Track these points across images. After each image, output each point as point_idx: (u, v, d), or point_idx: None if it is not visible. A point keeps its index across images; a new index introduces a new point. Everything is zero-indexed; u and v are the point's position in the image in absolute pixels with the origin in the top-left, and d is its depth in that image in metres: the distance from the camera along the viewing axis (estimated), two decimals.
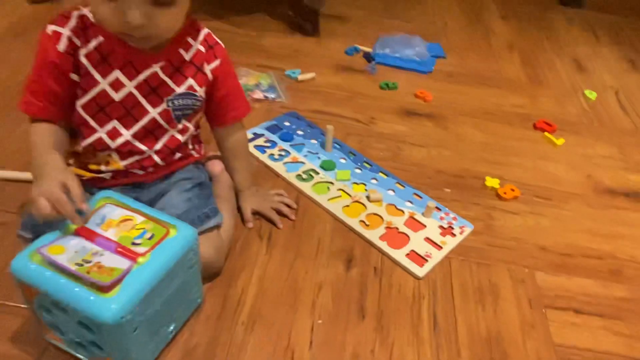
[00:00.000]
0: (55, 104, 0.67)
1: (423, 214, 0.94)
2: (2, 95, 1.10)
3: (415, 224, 0.92)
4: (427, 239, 0.89)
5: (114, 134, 0.71)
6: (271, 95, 1.21)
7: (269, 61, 1.35)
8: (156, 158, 0.75)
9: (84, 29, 0.66)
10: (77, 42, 0.66)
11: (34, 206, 0.59)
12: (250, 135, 1.06)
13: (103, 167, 0.73)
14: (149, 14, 0.60)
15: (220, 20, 1.50)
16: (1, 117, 1.04)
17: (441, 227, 0.92)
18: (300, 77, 1.30)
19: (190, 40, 0.73)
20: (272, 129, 1.11)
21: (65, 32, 0.66)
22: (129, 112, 0.70)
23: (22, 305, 0.70)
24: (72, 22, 0.66)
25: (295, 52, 1.42)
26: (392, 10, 1.74)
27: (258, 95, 1.20)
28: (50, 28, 0.66)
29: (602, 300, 0.85)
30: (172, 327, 0.68)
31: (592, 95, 1.40)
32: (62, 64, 0.66)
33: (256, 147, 1.05)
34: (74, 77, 0.67)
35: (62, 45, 0.65)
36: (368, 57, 1.43)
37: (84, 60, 0.66)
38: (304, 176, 0.99)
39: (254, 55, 1.37)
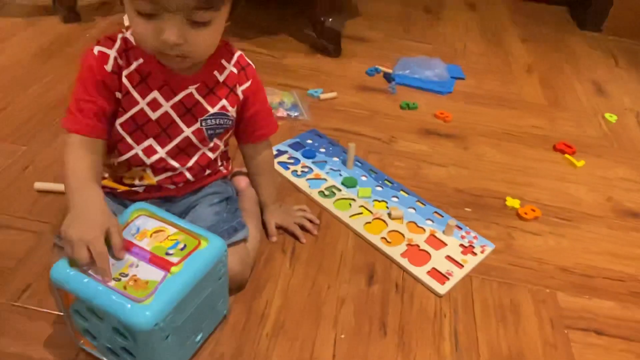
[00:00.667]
0: (102, 121, 0.69)
1: (444, 232, 0.95)
2: (38, 111, 1.15)
3: (436, 242, 0.93)
4: (448, 257, 0.90)
5: (149, 152, 0.74)
6: (294, 114, 1.24)
7: (292, 81, 1.39)
8: (187, 174, 0.78)
9: (126, 50, 0.70)
10: (121, 62, 0.69)
11: (70, 247, 0.58)
12: (274, 152, 1.08)
13: (137, 182, 0.76)
14: (185, 34, 0.62)
15: (246, 41, 1.55)
16: (36, 132, 1.08)
17: (462, 245, 0.93)
18: (322, 96, 1.33)
19: (224, 62, 0.76)
20: (295, 146, 1.13)
21: (112, 53, 0.69)
22: (164, 130, 0.73)
23: (55, 312, 0.73)
24: (117, 44, 0.69)
25: (317, 72, 1.45)
26: (412, 33, 1.78)
27: (281, 113, 1.23)
28: (97, 49, 0.69)
29: (624, 322, 0.84)
30: (199, 337, 0.70)
31: (612, 118, 1.41)
32: (110, 83, 0.69)
33: (280, 163, 1.07)
34: (118, 95, 0.70)
35: (109, 66, 0.68)
36: (388, 78, 1.46)
37: (125, 80, 0.70)
38: (326, 193, 1.01)
39: (277, 74, 1.41)
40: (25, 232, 0.85)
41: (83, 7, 1.59)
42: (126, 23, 0.68)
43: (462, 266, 0.89)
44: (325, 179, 1.05)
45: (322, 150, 1.13)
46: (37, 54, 1.37)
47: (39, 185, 0.93)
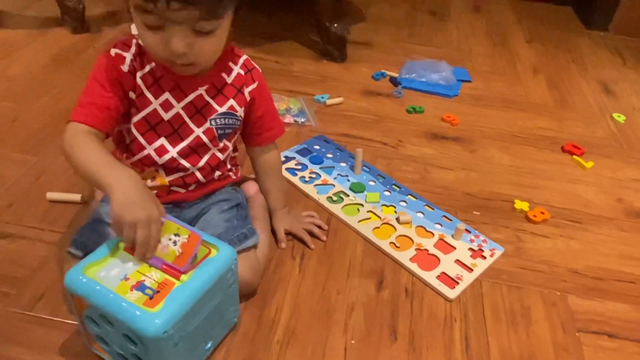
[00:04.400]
0: (112, 117, 0.70)
1: (453, 236, 0.95)
2: (49, 122, 1.16)
3: (445, 246, 0.93)
4: (458, 261, 0.90)
5: (161, 151, 0.76)
6: (301, 120, 1.25)
7: (299, 86, 1.40)
8: (198, 175, 0.79)
9: (140, 54, 0.73)
10: (136, 65, 0.72)
11: (132, 228, 0.59)
12: (281, 158, 1.09)
13: (149, 182, 0.78)
14: (191, 43, 0.65)
15: (252, 48, 1.56)
16: (46, 143, 1.09)
17: (471, 249, 0.93)
18: (328, 102, 1.33)
19: (231, 64, 0.79)
20: (302, 152, 1.14)
21: (129, 55, 0.72)
22: (175, 131, 0.76)
23: (69, 321, 0.74)
24: (132, 49, 0.72)
25: (323, 77, 1.46)
26: (417, 36, 1.78)
27: (288, 119, 1.24)
28: (114, 50, 0.72)
29: (636, 325, 0.84)
30: (209, 345, 0.70)
31: (620, 118, 1.40)
32: (125, 82, 0.71)
33: (287, 169, 1.08)
34: (132, 95, 0.73)
35: (126, 66, 0.71)
36: (394, 82, 1.46)
37: (139, 81, 0.72)
38: (335, 198, 1.02)
39: (284, 81, 1.42)
40: (38, 242, 0.86)
41: (91, 17, 1.60)
42: (134, 33, 0.70)
43: (472, 270, 0.89)
44: (333, 185, 1.05)
45: (330, 155, 1.14)
46: (47, 65, 1.38)
47: (51, 195, 0.95)
